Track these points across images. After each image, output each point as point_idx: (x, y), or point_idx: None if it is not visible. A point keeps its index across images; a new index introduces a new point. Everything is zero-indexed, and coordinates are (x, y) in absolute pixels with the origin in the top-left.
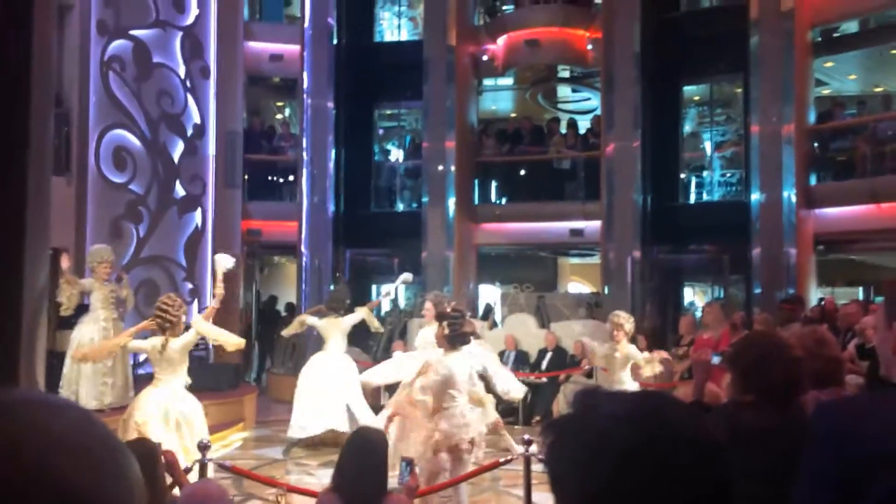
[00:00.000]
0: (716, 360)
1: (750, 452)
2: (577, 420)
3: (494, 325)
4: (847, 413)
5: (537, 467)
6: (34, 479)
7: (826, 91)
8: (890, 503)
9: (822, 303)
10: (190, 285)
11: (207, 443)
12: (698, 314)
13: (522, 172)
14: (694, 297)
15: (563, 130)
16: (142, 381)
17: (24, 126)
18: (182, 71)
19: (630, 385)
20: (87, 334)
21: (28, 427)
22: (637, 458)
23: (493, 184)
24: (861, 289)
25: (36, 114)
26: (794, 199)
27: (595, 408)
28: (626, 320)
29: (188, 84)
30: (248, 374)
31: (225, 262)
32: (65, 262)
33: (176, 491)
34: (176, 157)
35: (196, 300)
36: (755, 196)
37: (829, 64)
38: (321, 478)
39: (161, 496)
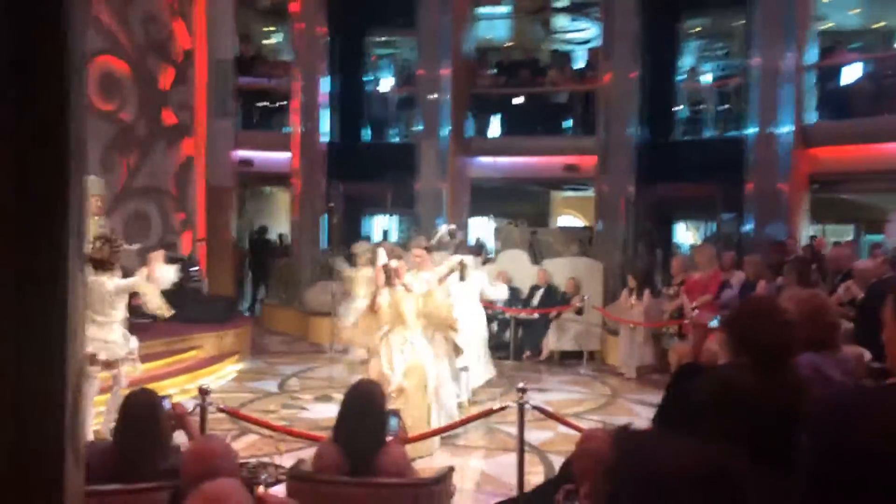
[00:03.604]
0: (714, 323)
1: (742, 414)
2: (637, 475)
3: (487, 260)
4: (845, 410)
5: (529, 416)
6: None
7: (828, 25)
8: (882, 502)
9: (813, 241)
10: (182, 216)
11: (207, 388)
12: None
13: (518, 102)
14: (686, 233)
15: (561, 63)
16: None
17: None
18: None
19: None
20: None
21: None
22: None
23: (489, 116)
24: (853, 226)
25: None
26: (791, 136)
27: (654, 460)
28: None
29: (175, 8)
30: (240, 305)
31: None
32: None
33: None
34: (165, 84)
35: (190, 231)
36: (752, 132)
37: None
38: (316, 412)
39: (164, 443)
